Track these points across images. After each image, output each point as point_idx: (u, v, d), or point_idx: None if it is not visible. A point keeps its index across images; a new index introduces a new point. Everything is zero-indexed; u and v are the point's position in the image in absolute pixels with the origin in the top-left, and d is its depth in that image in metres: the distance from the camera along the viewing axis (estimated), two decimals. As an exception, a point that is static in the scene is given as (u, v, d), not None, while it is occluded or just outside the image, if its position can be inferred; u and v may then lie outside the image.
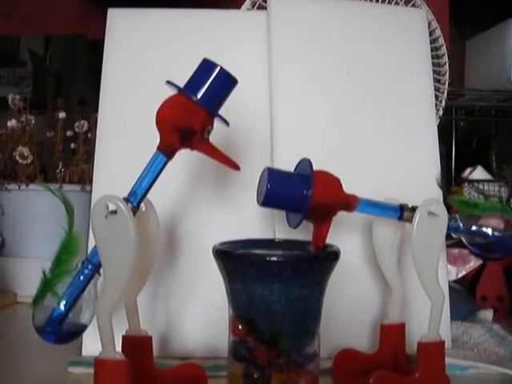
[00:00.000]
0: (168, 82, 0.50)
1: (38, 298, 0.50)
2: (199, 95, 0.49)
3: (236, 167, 0.52)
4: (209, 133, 0.51)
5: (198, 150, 0.51)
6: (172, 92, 0.51)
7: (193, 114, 0.49)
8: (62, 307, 0.50)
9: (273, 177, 0.51)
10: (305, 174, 0.52)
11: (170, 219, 0.65)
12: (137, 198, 0.49)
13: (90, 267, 0.50)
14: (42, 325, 0.50)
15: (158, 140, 0.50)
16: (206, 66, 0.50)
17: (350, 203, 0.54)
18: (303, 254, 0.52)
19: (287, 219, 0.55)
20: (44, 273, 0.50)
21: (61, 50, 1.94)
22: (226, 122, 0.51)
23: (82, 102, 1.72)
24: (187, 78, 0.51)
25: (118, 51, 0.70)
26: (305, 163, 0.53)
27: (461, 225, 0.60)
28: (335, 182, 0.53)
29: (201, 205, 0.67)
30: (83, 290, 0.50)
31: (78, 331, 0.52)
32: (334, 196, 0.52)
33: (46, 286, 0.50)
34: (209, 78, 0.49)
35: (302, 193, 0.51)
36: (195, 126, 0.49)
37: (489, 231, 0.60)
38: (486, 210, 0.61)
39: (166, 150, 0.50)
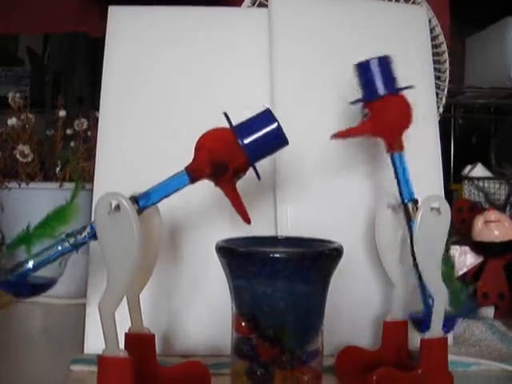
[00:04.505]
0: (225, 115, 0.49)
1: (13, 247, 0.50)
2: (247, 141, 0.49)
3: (248, 220, 0.52)
4: (238, 178, 0.51)
5: (222, 189, 0.51)
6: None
7: (233, 155, 0.49)
8: (29, 265, 0.50)
9: None
10: None
11: (173, 216, 0.65)
12: (146, 203, 0.49)
13: (71, 242, 0.50)
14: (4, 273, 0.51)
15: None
16: (266, 116, 0.50)
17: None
18: (307, 250, 0.51)
19: None
20: (28, 227, 0.50)
21: (59, 49, 1.95)
22: (258, 176, 0.51)
23: (81, 100, 1.73)
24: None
25: (118, 49, 0.70)
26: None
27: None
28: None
29: (204, 203, 0.67)
30: (55, 259, 0.50)
31: (40, 287, 0.52)
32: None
33: (24, 239, 0.50)
34: (263, 129, 0.49)
35: None
36: (230, 167, 0.49)
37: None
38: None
39: (193, 175, 0.50)
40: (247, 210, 0.52)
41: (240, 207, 0.52)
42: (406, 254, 0.59)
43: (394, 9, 0.79)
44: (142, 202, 0.49)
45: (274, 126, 0.49)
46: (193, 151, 0.50)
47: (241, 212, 0.52)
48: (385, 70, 0.56)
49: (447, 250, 0.58)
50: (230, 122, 0.49)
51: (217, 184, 0.51)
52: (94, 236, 0.49)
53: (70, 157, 0.90)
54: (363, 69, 0.56)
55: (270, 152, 0.51)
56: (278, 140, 0.50)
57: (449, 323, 0.57)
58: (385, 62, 0.56)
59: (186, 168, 0.50)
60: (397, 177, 0.57)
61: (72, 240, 0.50)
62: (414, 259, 0.54)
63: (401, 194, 0.56)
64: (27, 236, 0.50)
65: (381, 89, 0.55)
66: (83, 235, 0.49)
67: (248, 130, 0.49)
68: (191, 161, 0.50)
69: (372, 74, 0.56)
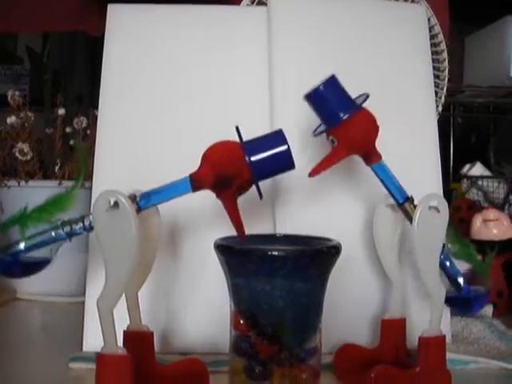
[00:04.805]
0: (236, 129, 0.49)
1: (6, 227, 0.51)
2: (254, 158, 0.48)
3: (243, 235, 0.52)
4: (240, 194, 0.51)
5: (222, 201, 0.51)
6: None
7: (238, 171, 0.49)
8: (20, 246, 0.50)
9: None
10: None
11: (172, 215, 0.65)
12: (146, 204, 0.49)
13: (66, 230, 0.50)
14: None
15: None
16: (278, 137, 0.50)
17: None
18: (305, 248, 0.52)
19: None
20: (26, 208, 0.50)
21: (58, 47, 1.94)
22: (261, 196, 0.51)
23: (80, 98, 1.72)
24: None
25: (118, 47, 0.70)
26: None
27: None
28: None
29: (202, 201, 0.66)
30: (47, 244, 0.51)
31: (29, 269, 0.52)
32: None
33: (20, 220, 0.50)
34: (272, 149, 0.49)
35: None
36: (234, 183, 0.49)
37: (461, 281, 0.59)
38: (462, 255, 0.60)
39: (195, 184, 0.50)
40: (244, 221, 0.51)
41: (237, 222, 0.51)
42: (406, 252, 0.60)
43: (393, 7, 0.79)
44: (143, 202, 0.49)
45: (284, 148, 0.49)
46: (198, 158, 0.50)
47: (237, 226, 0.51)
48: (336, 92, 0.54)
49: (457, 231, 0.58)
50: (240, 137, 0.49)
51: (218, 196, 0.51)
52: (90, 229, 0.49)
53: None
54: (314, 98, 0.54)
55: (275, 173, 0.51)
56: (285, 162, 0.50)
57: (480, 301, 0.57)
58: (333, 83, 0.54)
59: (190, 175, 0.50)
60: (384, 184, 0.57)
61: (67, 228, 0.50)
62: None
63: (394, 198, 0.56)
64: (23, 217, 0.50)
65: (340, 112, 0.53)
66: (79, 225, 0.50)
67: (257, 148, 0.49)
68: (196, 169, 0.50)
69: (325, 100, 0.54)
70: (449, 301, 0.57)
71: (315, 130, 0.57)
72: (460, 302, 0.55)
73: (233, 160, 0.49)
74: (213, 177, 0.49)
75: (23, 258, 0.51)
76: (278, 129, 0.50)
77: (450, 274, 0.60)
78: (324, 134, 0.56)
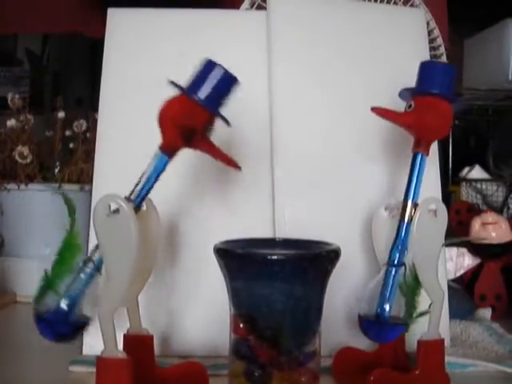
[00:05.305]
0: (171, 82, 0.50)
1: (40, 297, 0.50)
2: (201, 95, 0.49)
3: (237, 167, 0.53)
4: (210, 132, 0.51)
5: (200, 149, 0.52)
6: (173, 92, 0.51)
7: (194, 114, 0.49)
8: (64, 307, 0.49)
9: None
10: None
11: (171, 218, 0.65)
12: (139, 198, 0.50)
13: (91, 266, 0.50)
14: (45, 323, 0.50)
15: (160, 140, 0.51)
16: (208, 65, 0.50)
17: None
18: (304, 252, 0.52)
19: None
20: (46, 272, 0.50)
21: (58, 50, 1.94)
22: (227, 122, 0.51)
23: (80, 101, 1.73)
24: (188, 78, 0.51)
25: (118, 51, 0.70)
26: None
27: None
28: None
29: (202, 204, 0.67)
30: (84, 288, 0.50)
31: (81, 326, 0.51)
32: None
33: (48, 285, 0.49)
34: (210, 78, 0.50)
35: None
36: (197, 126, 0.50)
37: None
38: None
39: (168, 150, 0.50)
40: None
41: (225, 158, 0.52)
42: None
43: (392, 11, 0.79)
44: (135, 199, 0.49)
45: (219, 69, 0.50)
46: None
47: (227, 162, 0.52)
48: (448, 77, 0.56)
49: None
50: (178, 86, 0.50)
51: (193, 147, 0.51)
52: None
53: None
54: (429, 67, 0.57)
55: (226, 95, 0.51)
56: (228, 81, 0.51)
57: (393, 331, 0.55)
58: (450, 71, 0.57)
59: (159, 148, 0.50)
60: (410, 176, 0.57)
61: (90, 264, 0.49)
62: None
63: (406, 193, 0.56)
64: (49, 281, 0.50)
65: (435, 88, 0.55)
66: (98, 254, 0.49)
67: (197, 85, 0.50)
68: (161, 139, 0.50)
69: (434, 73, 0.56)
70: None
71: (404, 89, 0.58)
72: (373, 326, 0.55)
73: (184, 108, 0.50)
74: (177, 133, 0.50)
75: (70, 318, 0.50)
76: (204, 59, 0.51)
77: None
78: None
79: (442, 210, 0.54)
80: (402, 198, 0.57)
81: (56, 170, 0.98)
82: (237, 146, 0.68)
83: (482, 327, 0.75)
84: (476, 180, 1.19)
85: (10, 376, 0.59)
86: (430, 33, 0.82)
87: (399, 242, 0.55)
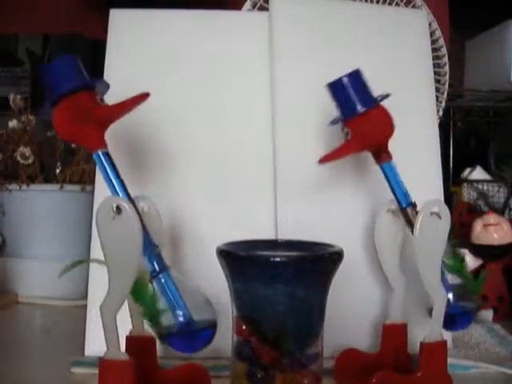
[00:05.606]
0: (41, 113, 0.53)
1: (156, 321, 0.50)
2: (58, 91, 0.51)
3: (144, 95, 0.52)
4: (102, 99, 0.52)
5: (107, 120, 0.53)
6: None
7: (73, 105, 0.51)
8: (181, 318, 0.51)
9: None
10: None
11: (173, 219, 0.65)
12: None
13: (162, 273, 0.52)
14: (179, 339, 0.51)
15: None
16: (44, 70, 0.52)
17: None
18: (307, 254, 0.52)
19: None
20: (148, 313, 0.50)
21: (59, 50, 1.94)
22: (105, 84, 0.53)
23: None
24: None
25: (120, 52, 0.70)
26: None
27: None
28: None
29: (204, 205, 0.67)
30: (173, 289, 0.52)
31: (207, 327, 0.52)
32: None
33: (151, 312, 0.50)
34: (51, 72, 0.52)
35: None
36: (83, 110, 0.51)
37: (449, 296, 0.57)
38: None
39: (94, 147, 0.51)
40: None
41: (130, 103, 0.52)
42: (406, 258, 0.60)
43: (394, 13, 0.79)
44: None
45: (52, 64, 0.52)
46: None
47: (134, 102, 0.52)
48: (358, 85, 0.55)
49: (455, 246, 0.58)
50: (45, 104, 0.52)
51: (102, 124, 0.52)
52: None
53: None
54: (336, 88, 0.56)
55: (68, 73, 0.52)
56: (66, 64, 0.52)
57: (465, 318, 0.57)
58: (356, 77, 0.56)
59: (92, 152, 0.52)
60: (390, 185, 0.57)
61: (154, 272, 0.51)
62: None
63: (398, 201, 0.57)
64: (149, 309, 0.50)
65: (358, 105, 0.55)
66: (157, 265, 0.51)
67: (52, 88, 0.52)
68: (84, 145, 0.52)
69: (346, 91, 0.55)
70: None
71: (332, 121, 0.58)
72: (445, 318, 0.55)
73: (66, 108, 0.51)
74: (83, 130, 0.51)
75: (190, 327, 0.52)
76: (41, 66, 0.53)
77: None
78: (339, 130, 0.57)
79: (445, 212, 0.54)
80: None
81: (57, 171, 0.98)
82: (239, 148, 0.68)
83: (483, 329, 0.75)
84: (477, 181, 1.19)
85: (11, 377, 0.59)
86: (431, 34, 0.83)
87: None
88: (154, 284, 0.51)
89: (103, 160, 0.51)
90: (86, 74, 0.53)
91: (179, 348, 0.52)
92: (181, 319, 0.51)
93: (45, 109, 0.52)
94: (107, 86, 0.53)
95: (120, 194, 0.51)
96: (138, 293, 0.49)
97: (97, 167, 0.51)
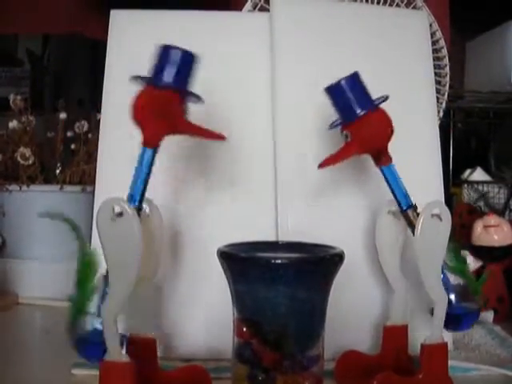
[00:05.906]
0: (133, 78, 0.51)
1: (74, 321, 0.49)
2: (165, 80, 0.50)
3: (221, 137, 0.53)
4: (186, 112, 0.52)
5: (181, 131, 0.52)
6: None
7: (165, 99, 0.50)
8: (100, 326, 0.48)
9: None
10: None
11: (174, 220, 0.65)
12: (136, 199, 0.49)
13: None
14: (86, 345, 0.49)
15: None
16: (163, 51, 0.51)
17: None
18: (308, 256, 0.52)
19: None
20: (71, 296, 0.50)
21: (59, 50, 1.94)
22: (199, 98, 0.52)
23: (81, 102, 1.72)
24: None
25: (120, 52, 0.70)
26: None
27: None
28: None
29: (205, 207, 0.67)
30: None
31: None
32: None
33: (78, 308, 0.49)
34: (170, 62, 0.50)
35: None
36: (170, 110, 0.50)
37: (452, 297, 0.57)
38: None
39: (150, 143, 0.50)
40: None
41: (208, 134, 0.53)
42: (406, 259, 0.60)
43: (395, 14, 0.79)
44: (133, 201, 0.49)
45: (177, 51, 0.51)
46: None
47: (211, 136, 0.53)
48: (357, 88, 0.55)
49: (457, 247, 0.58)
50: (142, 78, 0.50)
51: (174, 131, 0.52)
52: None
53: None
54: (334, 92, 0.56)
55: (189, 72, 0.51)
56: (186, 59, 0.51)
57: (469, 319, 0.57)
58: (354, 80, 0.55)
59: (142, 144, 0.50)
60: (390, 188, 0.57)
61: None
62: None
63: (398, 204, 0.57)
64: (77, 304, 0.49)
65: (358, 109, 0.54)
66: None
67: (161, 72, 0.50)
68: (142, 133, 0.50)
69: (345, 95, 0.55)
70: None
71: (331, 124, 0.57)
72: (449, 318, 0.55)
73: (153, 97, 0.50)
74: (156, 124, 0.50)
75: None
76: (160, 45, 0.51)
77: None
78: (339, 132, 0.57)
79: (446, 214, 0.54)
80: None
81: (58, 171, 0.98)
82: (239, 149, 0.68)
83: (484, 330, 0.75)
84: (478, 182, 1.19)
85: (12, 378, 0.59)
86: (432, 35, 0.82)
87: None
88: (102, 284, 0.49)
89: (150, 158, 0.51)
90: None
91: (85, 355, 0.50)
92: (99, 327, 0.48)
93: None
94: (199, 100, 0.53)
95: (139, 191, 0.50)
96: (82, 280, 0.49)
97: (137, 161, 0.50)
